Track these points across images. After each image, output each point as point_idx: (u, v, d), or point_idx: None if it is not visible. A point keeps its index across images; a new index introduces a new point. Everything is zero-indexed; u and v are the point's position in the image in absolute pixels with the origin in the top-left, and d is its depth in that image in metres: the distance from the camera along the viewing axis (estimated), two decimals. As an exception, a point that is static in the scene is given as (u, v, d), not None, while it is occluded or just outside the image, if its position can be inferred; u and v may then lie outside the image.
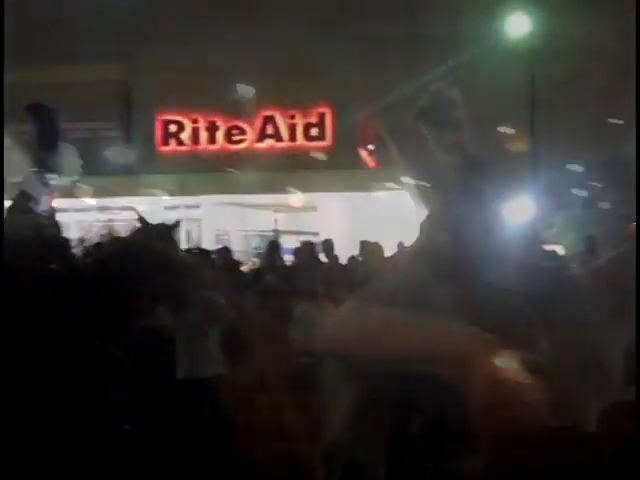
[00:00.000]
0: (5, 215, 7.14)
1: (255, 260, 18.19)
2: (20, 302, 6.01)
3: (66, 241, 7.57)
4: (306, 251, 10.72)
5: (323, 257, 10.87)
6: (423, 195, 5.89)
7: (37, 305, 6.08)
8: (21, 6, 24.91)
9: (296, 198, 24.16)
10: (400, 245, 11.44)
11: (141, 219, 6.27)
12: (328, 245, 10.74)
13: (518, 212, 5.47)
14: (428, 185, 5.31)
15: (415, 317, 5.02)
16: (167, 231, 6.30)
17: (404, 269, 5.56)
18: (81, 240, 8.22)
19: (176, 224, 6.38)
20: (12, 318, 5.85)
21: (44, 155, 7.25)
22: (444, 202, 5.11)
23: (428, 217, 5.53)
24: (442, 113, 5.60)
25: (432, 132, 5.50)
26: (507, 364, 4.11)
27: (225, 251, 9.95)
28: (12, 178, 7.35)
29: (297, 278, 9.30)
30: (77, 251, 7.77)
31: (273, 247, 10.76)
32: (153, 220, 6.36)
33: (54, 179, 7.16)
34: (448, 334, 4.83)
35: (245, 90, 24.63)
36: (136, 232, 6.29)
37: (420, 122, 5.45)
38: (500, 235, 5.11)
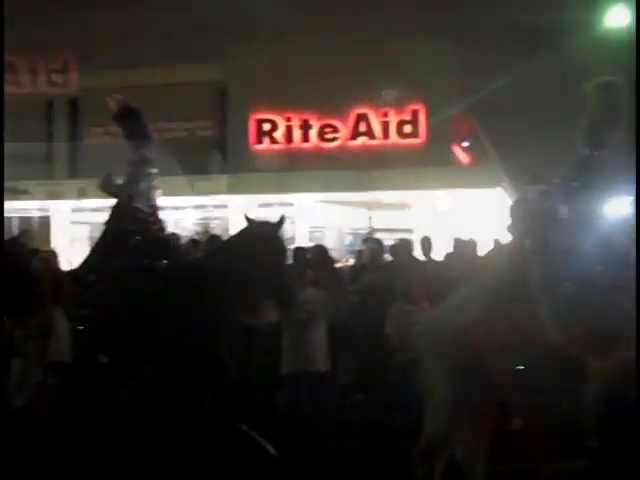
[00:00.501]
0: (112, 213, 7.33)
1: (350, 258, 18.19)
2: (132, 299, 6.14)
3: (174, 239, 7.72)
4: (402, 249, 10.66)
5: (419, 255, 10.78)
6: (523, 192, 5.82)
7: (148, 302, 6.21)
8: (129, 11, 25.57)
9: (389, 195, 24.10)
10: (496, 242, 11.28)
11: (248, 218, 6.32)
12: (426, 243, 10.62)
13: (626, 209, 5.36)
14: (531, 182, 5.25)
15: (518, 316, 4.97)
16: (274, 230, 6.33)
17: (503, 268, 5.51)
18: (189, 238, 8.36)
19: (281, 222, 6.40)
20: (127, 316, 5.99)
21: (139, 154, 7.38)
22: (554, 199, 5.05)
23: (528, 214, 5.46)
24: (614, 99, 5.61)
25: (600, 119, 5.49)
26: (621, 362, 4.04)
27: (320, 249, 9.95)
28: (116, 177, 7.52)
29: (393, 276, 9.26)
30: (184, 249, 7.92)
31: (375, 245, 10.70)
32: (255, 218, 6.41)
33: (156, 177, 7.30)
34: (553, 332, 4.78)
35: (338, 88, 24.70)
36: (244, 231, 6.41)
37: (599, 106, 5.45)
38: (611, 232, 5.03)
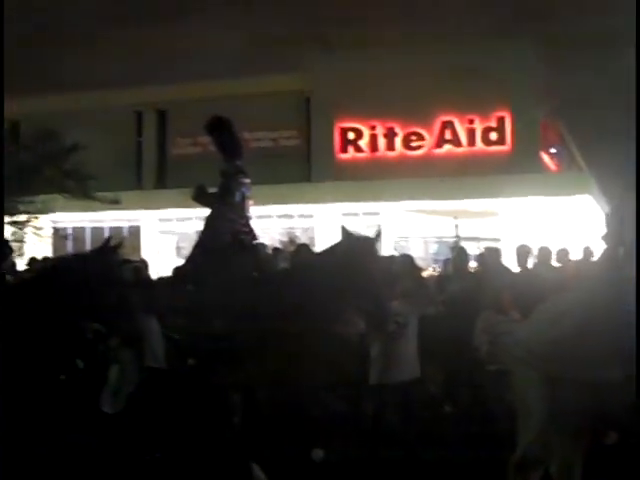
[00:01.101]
0: (206, 223, 7.42)
1: (436, 267, 18.06)
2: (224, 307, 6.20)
3: (266, 249, 7.75)
4: (491, 257, 10.50)
5: (510, 263, 10.60)
6: (618, 199, 5.66)
7: (242, 311, 6.26)
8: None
9: (476, 203, 23.85)
10: (586, 251, 11.02)
11: (346, 231, 6.28)
12: (522, 251, 10.39)
13: None
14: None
15: (615, 327, 4.85)
16: (371, 244, 6.28)
17: (598, 279, 5.37)
18: (272, 247, 8.35)
19: (378, 236, 6.35)
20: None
21: (232, 165, 7.45)
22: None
23: (628, 223, 5.30)
24: None
25: None
26: None
27: (407, 258, 9.88)
28: (210, 188, 7.61)
29: (481, 285, 9.13)
30: (276, 258, 7.89)
31: (460, 254, 10.56)
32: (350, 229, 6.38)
33: (249, 187, 7.36)
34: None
35: (423, 95, 24.60)
36: (342, 244, 6.42)
37: None
38: None
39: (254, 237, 7.39)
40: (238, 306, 6.32)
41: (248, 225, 7.40)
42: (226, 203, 7.30)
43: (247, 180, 7.50)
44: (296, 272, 6.90)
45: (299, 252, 7.94)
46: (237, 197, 7.33)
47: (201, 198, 7.58)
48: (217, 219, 7.32)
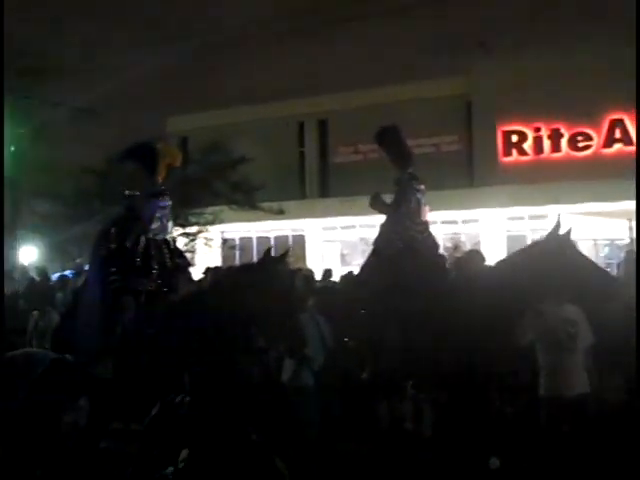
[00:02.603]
0: (381, 231, 7.41)
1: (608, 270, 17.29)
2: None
3: (443, 256, 7.62)
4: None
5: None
6: None
7: (417, 320, 6.18)
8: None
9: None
10: None
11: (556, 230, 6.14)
12: None
13: None
14: None
15: None
16: (571, 245, 6.12)
17: None
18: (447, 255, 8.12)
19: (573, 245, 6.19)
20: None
21: (405, 172, 7.42)
22: None
23: None
24: None
25: None
26: None
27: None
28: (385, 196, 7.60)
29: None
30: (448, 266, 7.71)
31: (633, 257, 10.03)
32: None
33: (424, 192, 7.32)
34: None
35: (589, 94, 23.76)
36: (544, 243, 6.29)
37: None
38: None
39: (432, 243, 7.33)
40: (415, 312, 6.28)
41: (425, 231, 7.35)
42: (402, 210, 7.28)
43: (421, 186, 7.47)
44: (484, 281, 6.70)
45: (472, 258, 7.75)
46: (412, 203, 7.30)
47: (377, 205, 7.58)
48: (392, 226, 7.31)
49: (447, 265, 8.01)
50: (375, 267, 7.15)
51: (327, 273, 12.76)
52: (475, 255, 7.95)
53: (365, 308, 6.76)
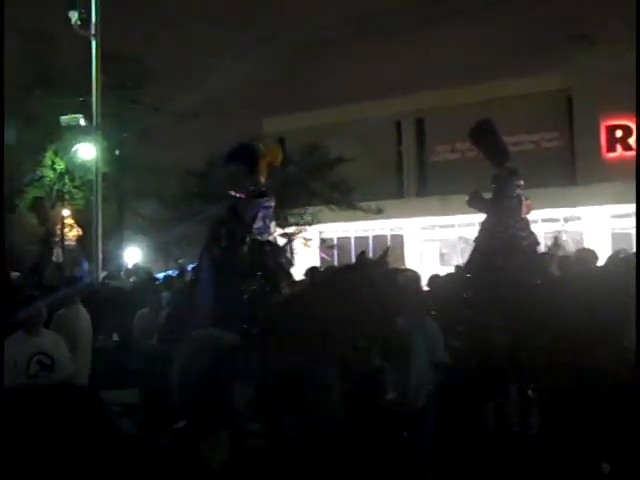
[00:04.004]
0: (481, 229, 7.29)
1: None
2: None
3: (545, 254, 7.45)
4: None
5: None
6: None
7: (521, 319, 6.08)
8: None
9: None
10: None
11: None
12: None
13: None
14: None
15: None
16: None
17: None
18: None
19: None
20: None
21: (504, 168, 7.28)
22: None
23: None
24: None
25: None
26: None
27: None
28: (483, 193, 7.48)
29: None
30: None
31: None
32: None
33: (524, 190, 7.16)
34: None
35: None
36: None
37: None
38: None
39: (533, 240, 7.18)
40: (521, 310, 6.18)
41: (526, 229, 7.20)
42: (502, 207, 7.14)
43: (521, 182, 7.30)
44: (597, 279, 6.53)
45: (585, 256, 7.55)
46: (513, 200, 7.15)
47: (476, 203, 7.47)
48: (492, 224, 7.19)
49: (551, 263, 7.85)
50: (479, 266, 7.04)
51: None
52: (587, 254, 7.75)
53: (472, 308, 6.68)
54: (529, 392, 6.59)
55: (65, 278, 10.53)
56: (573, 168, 27.21)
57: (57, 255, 13.18)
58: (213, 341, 2.69)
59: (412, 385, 6.51)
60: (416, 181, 31.20)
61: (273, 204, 6.55)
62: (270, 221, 6.54)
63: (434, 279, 9.42)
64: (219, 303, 6.03)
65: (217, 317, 5.87)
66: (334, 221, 26.61)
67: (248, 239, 6.31)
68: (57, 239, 15.19)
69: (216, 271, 6.17)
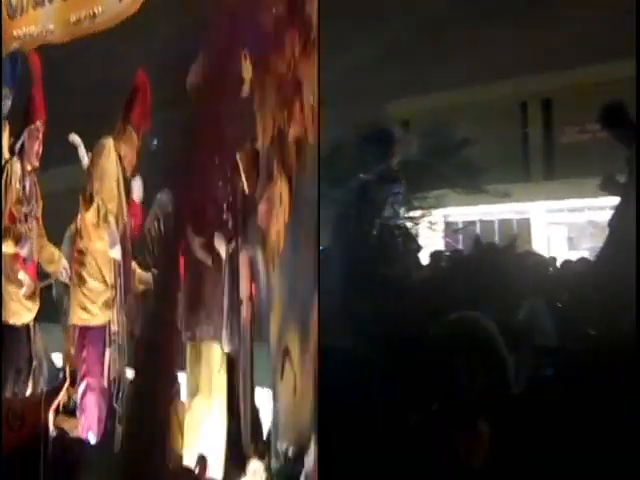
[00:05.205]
0: (615, 213, 7.11)
1: None
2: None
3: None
4: None
5: None
6: None
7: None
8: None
9: None
10: None
11: None
12: None
13: None
14: None
15: None
16: None
17: None
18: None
19: None
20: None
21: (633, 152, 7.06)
22: None
23: None
24: None
25: None
26: None
27: None
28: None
29: None
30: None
31: None
32: None
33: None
34: None
35: None
36: None
37: None
38: None
39: None
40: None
41: None
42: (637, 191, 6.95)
43: None
44: None
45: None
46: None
47: (609, 188, 7.28)
48: (627, 208, 7.01)
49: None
50: (615, 251, 6.88)
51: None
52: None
53: (609, 296, 6.54)
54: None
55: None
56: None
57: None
58: None
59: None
60: (543, 164, 30.52)
61: (402, 190, 6.60)
62: (400, 207, 6.59)
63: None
64: None
65: None
66: (459, 205, 26.35)
67: (378, 223, 6.38)
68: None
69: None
